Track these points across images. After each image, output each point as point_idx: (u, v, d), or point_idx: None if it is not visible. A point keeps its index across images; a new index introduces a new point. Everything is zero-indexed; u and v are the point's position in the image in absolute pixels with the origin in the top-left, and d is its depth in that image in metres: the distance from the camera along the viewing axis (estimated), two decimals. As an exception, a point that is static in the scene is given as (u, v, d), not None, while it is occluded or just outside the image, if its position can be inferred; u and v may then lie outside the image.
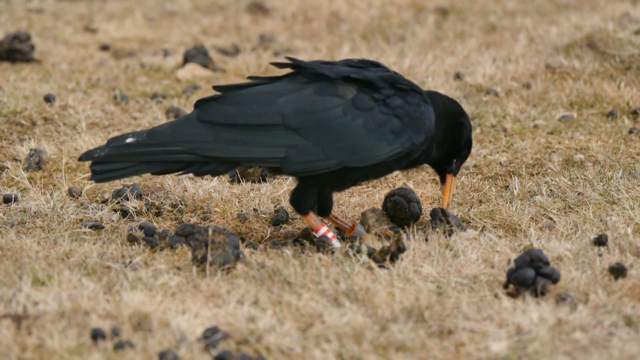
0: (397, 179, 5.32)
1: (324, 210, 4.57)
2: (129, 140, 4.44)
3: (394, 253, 4.25)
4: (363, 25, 9.01)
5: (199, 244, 4.22)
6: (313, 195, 4.49)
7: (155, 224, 4.78)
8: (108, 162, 4.44)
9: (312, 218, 4.50)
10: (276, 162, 4.39)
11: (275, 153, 4.39)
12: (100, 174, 4.45)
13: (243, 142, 4.40)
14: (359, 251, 4.31)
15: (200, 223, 4.84)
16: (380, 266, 4.22)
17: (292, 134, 4.38)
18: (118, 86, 7.10)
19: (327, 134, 4.38)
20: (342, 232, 4.67)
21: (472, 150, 5.67)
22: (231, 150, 4.39)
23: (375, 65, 4.49)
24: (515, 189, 5.08)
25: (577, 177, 5.17)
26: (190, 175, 4.95)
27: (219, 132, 4.40)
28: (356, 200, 5.01)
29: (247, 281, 4.08)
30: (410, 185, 5.22)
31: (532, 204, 4.89)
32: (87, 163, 5.60)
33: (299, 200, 4.49)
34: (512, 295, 4.00)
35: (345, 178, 4.44)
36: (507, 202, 4.92)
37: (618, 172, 5.20)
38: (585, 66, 6.92)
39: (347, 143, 4.37)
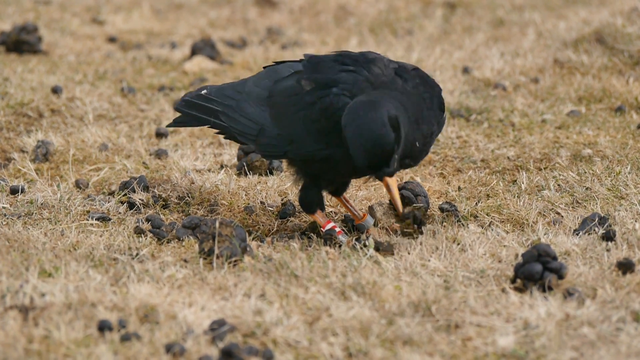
0: (404, 173, 5.31)
1: (337, 191, 4.58)
2: (203, 91, 4.68)
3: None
4: (371, 18, 9.00)
5: (206, 237, 4.22)
6: (316, 194, 4.49)
7: (162, 216, 4.78)
8: (185, 110, 4.72)
9: (320, 216, 4.50)
10: (252, 138, 4.51)
11: (252, 130, 4.51)
12: (174, 121, 4.78)
13: (239, 113, 4.54)
14: (365, 245, 4.30)
15: (207, 216, 4.84)
16: (388, 255, 4.21)
17: (267, 112, 4.47)
18: (125, 78, 7.10)
19: (283, 120, 4.43)
20: (350, 221, 4.67)
21: (480, 144, 5.66)
22: (229, 118, 4.55)
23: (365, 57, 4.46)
24: (522, 183, 5.07)
25: (585, 172, 5.16)
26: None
27: (239, 103, 4.56)
28: (363, 194, 5.00)
29: (254, 274, 4.07)
30: (418, 179, 5.21)
31: (539, 198, 4.88)
32: (94, 154, 5.60)
33: (303, 201, 4.50)
34: (520, 289, 3.99)
35: (309, 171, 4.46)
36: (514, 197, 4.91)
37: (626, 167, 5.18)
38: (593, 61, 6.90)
39: (291, 132, 4.40)
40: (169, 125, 4.84)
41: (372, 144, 4.07)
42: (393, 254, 4.27)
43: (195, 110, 4.67)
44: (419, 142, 4.28)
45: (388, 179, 4.16)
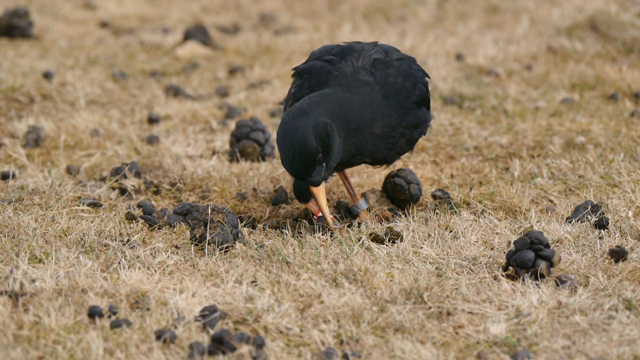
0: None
1: (338, 167, 4.58)
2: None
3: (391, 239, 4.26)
4: (364, 4, 8.97)
5: (198, 223, 4.20)
6: None
7: (153, 202, 4.76)
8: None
9: (313, 204, 4.49)
10: None
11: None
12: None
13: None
14: (359, 226, 4.29)
15: (199, 202, 4.82)
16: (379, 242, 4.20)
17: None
18: (117, 64, 7.07)
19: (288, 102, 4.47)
20: (342, 207, 4.65)
21: (473, 131, 5.65)
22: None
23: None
24: (515, 171, 5.06)
25: (578, 160, 5.15)
26: None
27: None
28: (356, 181, 4.99)
29: (245, 261, 4.06)
30: (411, 167, 5.20)
31: (532, 186, 4.87)
32: (86, 140, 5.58)
33: (297, 190, 4.48)
34: (512, 277, 3.98)
35: None
36: (507, 184, 4.90)
37: (619, 155, 5.17)
38: (587, 48, 6.89)
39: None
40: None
41: (293, 152, 4.06)
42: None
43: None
44: (371, 142, 4.25)
45: (314, 189, 4.17)
